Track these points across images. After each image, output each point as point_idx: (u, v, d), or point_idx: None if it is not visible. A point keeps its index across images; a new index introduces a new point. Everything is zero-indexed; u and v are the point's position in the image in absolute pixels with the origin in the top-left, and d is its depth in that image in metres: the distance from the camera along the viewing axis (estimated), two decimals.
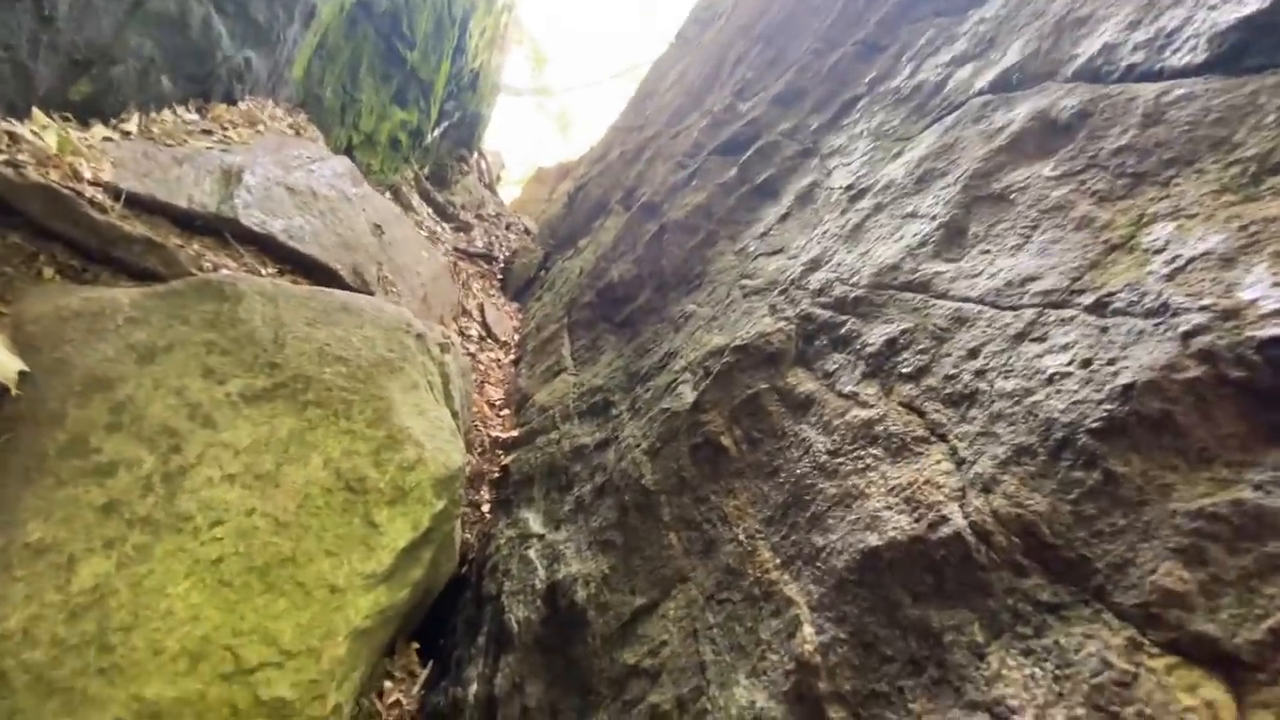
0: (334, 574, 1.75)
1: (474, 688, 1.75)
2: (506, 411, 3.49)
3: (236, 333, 1.98)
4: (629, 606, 1.44)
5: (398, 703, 2.06)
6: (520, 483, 2.57)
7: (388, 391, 2.05)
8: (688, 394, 1.78)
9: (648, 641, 1.32)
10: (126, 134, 2.47)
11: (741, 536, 1.38)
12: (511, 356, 4.61)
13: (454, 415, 2.31)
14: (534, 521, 2.21)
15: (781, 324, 1.66)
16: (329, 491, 1.84)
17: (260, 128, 3.29)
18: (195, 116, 2.94)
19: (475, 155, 9.31)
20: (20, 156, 1.84)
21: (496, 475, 2.80)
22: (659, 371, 2.14)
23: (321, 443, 1.89)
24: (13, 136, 1.87)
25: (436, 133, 6.91)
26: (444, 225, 6.72)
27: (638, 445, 1.83)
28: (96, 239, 2.08)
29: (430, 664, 2.26)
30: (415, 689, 2.17)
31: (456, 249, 6.50)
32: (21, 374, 1.71)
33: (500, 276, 6.59)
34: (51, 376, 1.78)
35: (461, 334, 4.42)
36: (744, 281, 2.06)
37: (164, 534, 1.66)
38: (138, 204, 2.26)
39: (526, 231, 7.92)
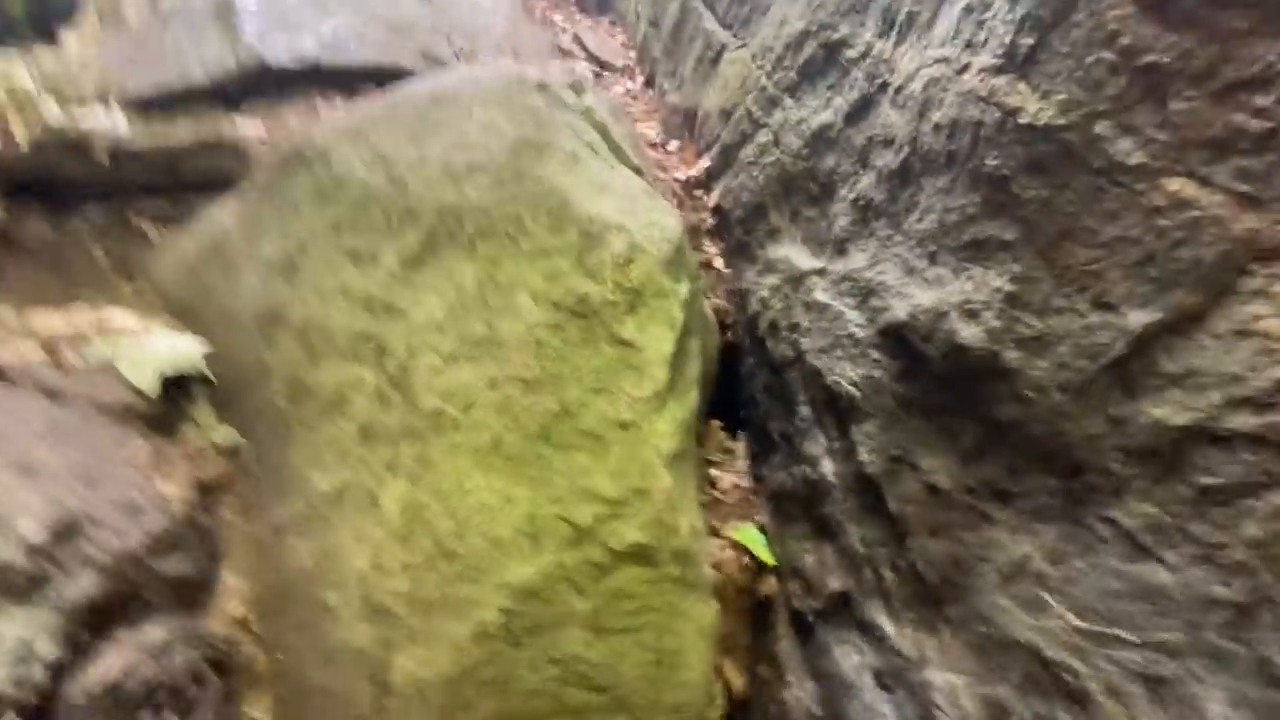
0: (614, 410, 1.45)
1: (828, 465, 1.43)
2: (676, 144, 2.78)
3: (349, 196, 1.54)
4: (1112, 333, 0.80)
5: (735, 486, 1.90)
6: (747, 218, 1.98)
7: (549, 179, 1.50)
8: None
9: (1210, 378, 0.73)
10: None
11: None
12: (641, 78, 3.69)
13: (638, 172, 1.72)
14: (796, 256, 1.66)
15: None
16: (558, 328, 1.46)
17: None
18: None
19: None
20: None
21: (710, 222, 2.24)
22: None
23: (516, 278, 1.48)
24: None
25: None
26: None
27: (960, 68, 1.05)
28: (159, 172, 1.70)
29: (741, 435, 2.04)
30: (741, 464, 1.99)
31: None
32: (206, 355, 1.51)
33: None
34: (228, 334, 1.56)
35: None
36: None
37: (429, 436, 1.46)
38: (160, 103, 1.78)
39: None
